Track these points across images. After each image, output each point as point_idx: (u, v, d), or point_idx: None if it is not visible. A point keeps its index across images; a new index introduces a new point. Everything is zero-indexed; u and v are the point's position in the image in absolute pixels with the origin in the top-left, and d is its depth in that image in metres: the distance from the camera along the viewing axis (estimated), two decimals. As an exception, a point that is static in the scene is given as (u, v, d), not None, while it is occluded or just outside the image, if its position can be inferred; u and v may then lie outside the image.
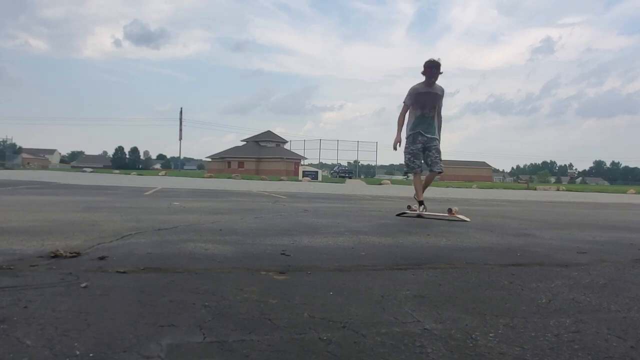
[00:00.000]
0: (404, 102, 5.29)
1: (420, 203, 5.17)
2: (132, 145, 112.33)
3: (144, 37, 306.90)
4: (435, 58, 5.09)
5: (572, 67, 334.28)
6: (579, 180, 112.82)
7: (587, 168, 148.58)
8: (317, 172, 37.64)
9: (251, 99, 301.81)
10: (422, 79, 5.15)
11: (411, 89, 5.23)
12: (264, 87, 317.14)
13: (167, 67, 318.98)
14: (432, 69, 5.05)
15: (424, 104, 5.16)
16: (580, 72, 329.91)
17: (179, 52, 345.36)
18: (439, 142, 5.29)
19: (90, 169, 48.43)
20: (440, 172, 5.25)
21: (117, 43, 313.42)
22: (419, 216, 5.03)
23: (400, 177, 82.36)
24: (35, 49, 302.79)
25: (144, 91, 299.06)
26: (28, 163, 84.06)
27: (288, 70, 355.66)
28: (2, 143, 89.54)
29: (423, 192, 5.25)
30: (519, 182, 56.02)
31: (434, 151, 5.20)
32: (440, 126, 5.35)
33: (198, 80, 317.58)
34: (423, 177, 5.43)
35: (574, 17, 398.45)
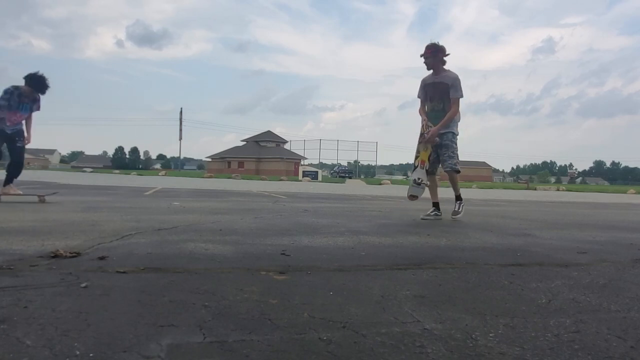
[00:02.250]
0: (418, 97, 4.98)
1: (434, 205, 4.92)
2: (132, 145, 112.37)
3: (146, 37, 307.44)
4: (435, 41, 4.76)
5: (573, 67, 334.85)
6: (579, 180, 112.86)
7: (587, 168, 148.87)
8: (317, 172, 37.65)
9: (252, 99, 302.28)
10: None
11: (422, 80, 4.93)
12: (264, 87, 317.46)
13: (168, 67, 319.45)
14: (423, 54, 4.76)
15: (432, 96, 4.84)
16: (581, 72, 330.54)
17: (181, 52, 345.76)
18: (455, 136, 4.80)
19: (90, 169, 48.43)
20: (448, 171, 4.84)
21: (119, 43, 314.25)
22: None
23: (400, 177, 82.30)
24: (37, 49, 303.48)
25: (145, 91, 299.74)
26: (28, 163, 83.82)
27: (288, 70, 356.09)
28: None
29: (446, 193, 4.99)
30: (519, 182, 56.03)
31: (444, 148, 4.79)
32: (457, 119, 4.81)
33: (199, 80, 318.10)
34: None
35: (576, 17, 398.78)
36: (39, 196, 5.48)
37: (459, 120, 4.89)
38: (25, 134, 5.80)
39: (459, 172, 4.88)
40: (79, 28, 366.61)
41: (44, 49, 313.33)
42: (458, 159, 4.82)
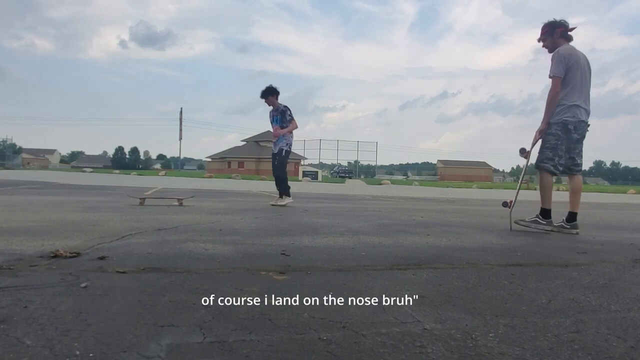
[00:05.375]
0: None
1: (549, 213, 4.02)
2: (132, 146, 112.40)
3: (150, 37, 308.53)
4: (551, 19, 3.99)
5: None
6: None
7: (587, 168, 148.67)
8: (317, 172, 37.64)
9: (253, 100, 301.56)
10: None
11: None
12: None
13: (170, 68, 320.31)
14: (539, 39, 4.05)
15: None
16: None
17: (184, 52, 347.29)
18: (556, 126, 3.88)
19: (90, 169, 48.31)
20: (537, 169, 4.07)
21: (122, 44, 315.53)
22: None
23: (400, 177, 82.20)
24: (40, 49, 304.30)
25: (147, 92, 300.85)
26: (28, 163, 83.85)
27: (290, 70, 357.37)
28: (2, 143, 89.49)
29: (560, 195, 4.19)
30: (519, 182, 55.82)
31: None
32: (565, 102, 3.91)
33: (201, 80, 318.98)
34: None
35: (578, 18, 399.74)
36: (178, 199, 5.97)
37: (568, 103, 3.88)
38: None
39: (547, 170, 3.90)
40: (82, 28, 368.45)
41: (47, 49, 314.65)
42: (552, 153, 3.84)
